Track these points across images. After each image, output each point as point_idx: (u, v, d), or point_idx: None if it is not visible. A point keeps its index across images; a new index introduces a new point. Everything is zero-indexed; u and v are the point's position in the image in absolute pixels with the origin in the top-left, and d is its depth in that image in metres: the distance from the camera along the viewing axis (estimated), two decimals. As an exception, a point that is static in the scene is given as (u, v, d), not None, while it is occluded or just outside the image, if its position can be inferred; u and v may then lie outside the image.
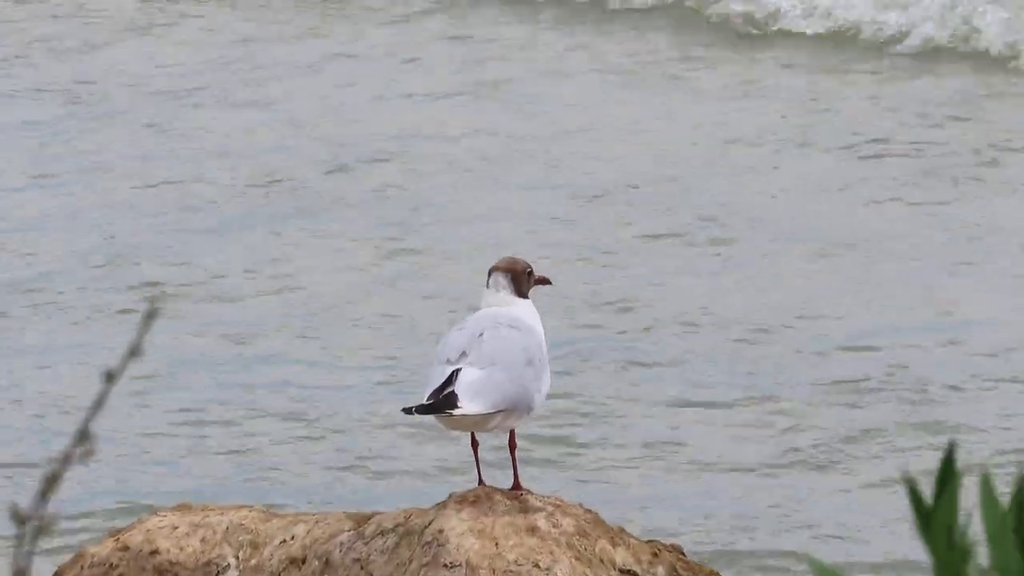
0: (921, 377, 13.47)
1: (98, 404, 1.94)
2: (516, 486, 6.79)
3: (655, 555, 6.67)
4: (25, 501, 2.08)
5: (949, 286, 15.72)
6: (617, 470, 12.01)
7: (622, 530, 6.87)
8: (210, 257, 15.84)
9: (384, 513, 6.85)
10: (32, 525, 1.96)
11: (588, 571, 6.33)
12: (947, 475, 2.06)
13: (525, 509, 6.63)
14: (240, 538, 6.40)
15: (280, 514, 6.80)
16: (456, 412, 6.28)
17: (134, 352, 1.98)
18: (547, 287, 7.32)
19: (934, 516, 1.96)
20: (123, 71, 20.09)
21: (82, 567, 7.16)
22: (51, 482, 1.86)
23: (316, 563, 6.26)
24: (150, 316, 2.07)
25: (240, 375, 13.68)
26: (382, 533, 6.36)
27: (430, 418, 6.76)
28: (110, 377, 1.89)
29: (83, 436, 1.85)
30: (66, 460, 1.88)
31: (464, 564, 6.21)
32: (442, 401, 6.30)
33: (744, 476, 12.21)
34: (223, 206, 16.93)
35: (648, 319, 14.52)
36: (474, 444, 6.71)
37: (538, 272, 7.20)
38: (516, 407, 6.43)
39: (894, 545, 11.36)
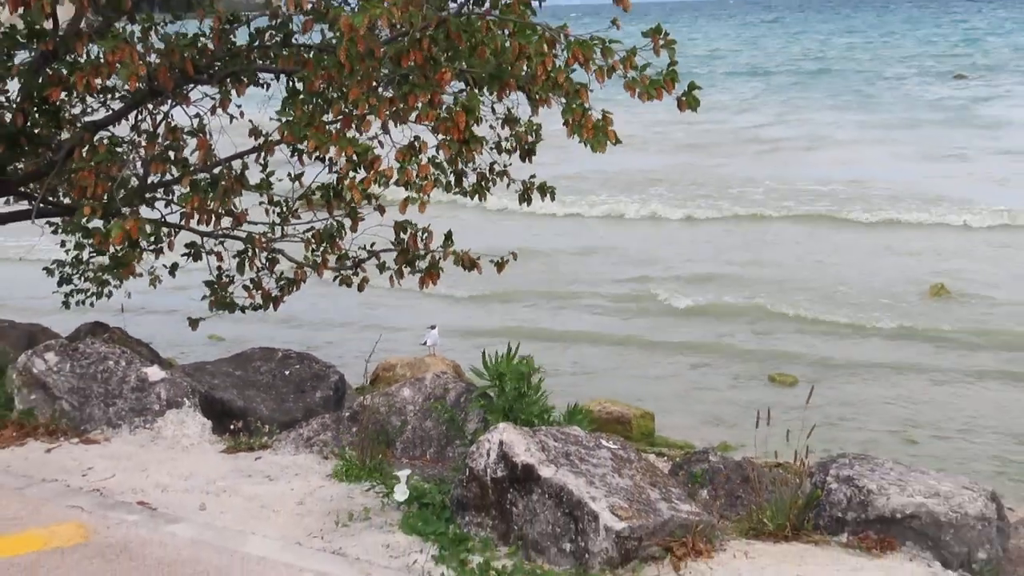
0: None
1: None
2: (433, 353, 16.90)
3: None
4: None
5: None
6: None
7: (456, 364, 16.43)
8: None
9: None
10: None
11: (453, 372, 13.67)
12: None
13: (435, 359, 16.68)
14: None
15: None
16: (428, 345, 16.84)
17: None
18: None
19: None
20: None
21: (383, 370, 16.32)
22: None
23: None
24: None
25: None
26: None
27: (426, 345, 16.81)
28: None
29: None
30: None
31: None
32: (424, 345, 16.84)
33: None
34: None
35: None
36: (431, 350, 17.00)
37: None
38: (435, 345, 16.77)
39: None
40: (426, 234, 11.78)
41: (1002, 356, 17.42)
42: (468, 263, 11.79)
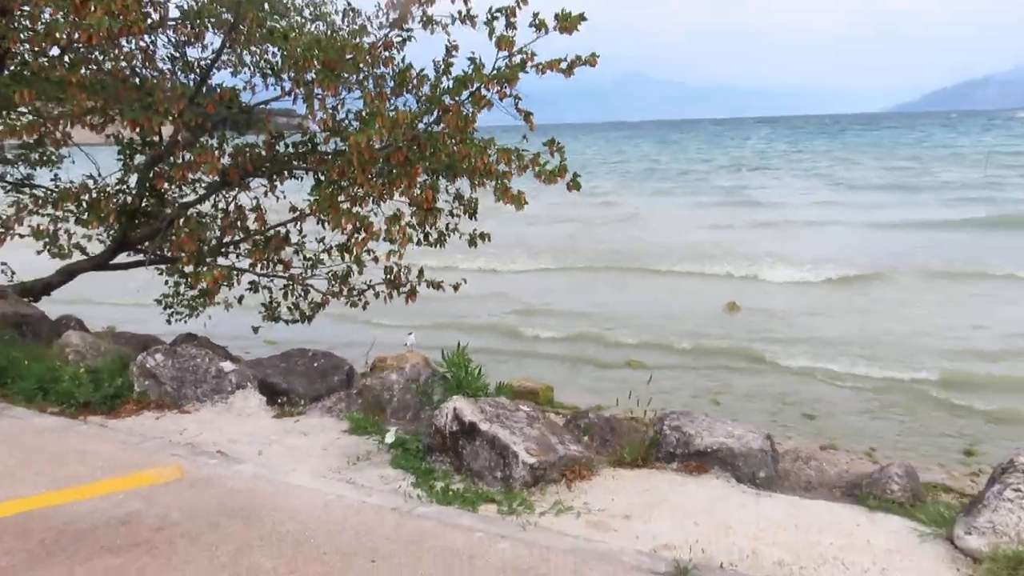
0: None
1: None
2: (411, 350, 17.96)
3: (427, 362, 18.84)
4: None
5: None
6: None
7: (427, 358, 16.46)
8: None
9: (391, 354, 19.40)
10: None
11: (424, 363, 14.74)
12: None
13: (413, 354, 17.55)
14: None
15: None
16: (407, 345, 17.38)
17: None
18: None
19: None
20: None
21: (378, 362, 15.63)
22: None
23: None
24: None
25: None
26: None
27: (407, 346, 16.98)
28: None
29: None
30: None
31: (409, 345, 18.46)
32: (405, 345, 17.15)
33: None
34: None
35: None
36: (410, 348, 17.76)
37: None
38: (413, 345, 17.13)
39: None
40: (407, 269, 11.93)
41: (775, 348, 17.63)
42: (435, 286, 12.02)
